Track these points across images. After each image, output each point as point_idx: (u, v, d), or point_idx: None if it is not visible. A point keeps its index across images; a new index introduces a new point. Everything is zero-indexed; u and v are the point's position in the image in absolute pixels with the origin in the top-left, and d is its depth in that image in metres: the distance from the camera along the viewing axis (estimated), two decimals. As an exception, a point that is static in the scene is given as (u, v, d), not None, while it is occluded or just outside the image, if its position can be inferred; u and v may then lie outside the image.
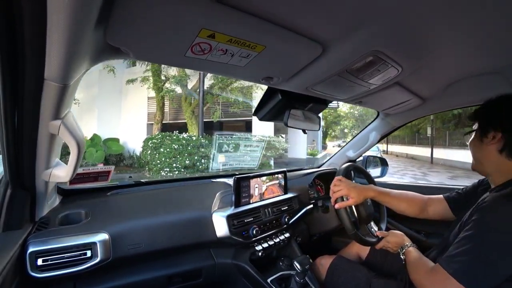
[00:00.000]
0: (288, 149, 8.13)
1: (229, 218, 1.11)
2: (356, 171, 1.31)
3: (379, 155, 2.00)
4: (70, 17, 0.41)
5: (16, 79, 0.53)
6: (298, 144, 10.41)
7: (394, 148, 21.54)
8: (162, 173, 4.99)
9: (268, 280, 1.12)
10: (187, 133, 5.93)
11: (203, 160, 5.48)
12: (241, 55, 0.67)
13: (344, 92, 1.05)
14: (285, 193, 1.42)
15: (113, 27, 0.52)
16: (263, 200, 1.30)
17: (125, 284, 0.93)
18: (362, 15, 0.58)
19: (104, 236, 0.86)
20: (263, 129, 7.95)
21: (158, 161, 5.44)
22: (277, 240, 1.27)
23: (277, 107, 1.16)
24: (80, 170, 0.99)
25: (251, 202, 1.24)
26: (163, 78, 7.03)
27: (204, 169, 5.42)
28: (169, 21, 0.51)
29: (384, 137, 1.79)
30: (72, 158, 0.71)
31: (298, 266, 1.04)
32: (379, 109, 1.48)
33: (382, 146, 21.36)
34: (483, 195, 0.85)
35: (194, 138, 5.81)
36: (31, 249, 0.76)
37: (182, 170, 5.20)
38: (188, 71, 6.97)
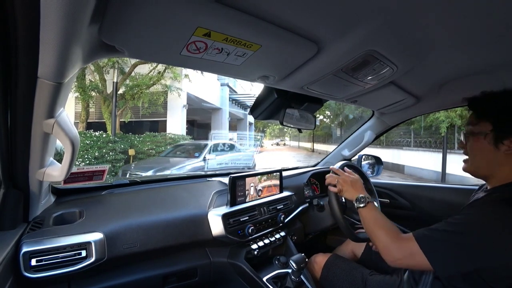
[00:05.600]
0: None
1: (225, 217, 1.10)
2: (350, 169, 1.32)
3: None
4: (64, 15, 0.41)
5: (9, 77, 0.52)
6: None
7: (307, 144, 28.44)
8: (76, 163, 5.99)
9: (264, 279, 1.12)
10: (99, 132, 7.55)
11: (111, 153, 7.11)
12: (237, 54, 0.67)
13: (340, 91, 1.06)
14: (281, 192, 1.43)
15: (107, 25, 0.52)
16: (259, 199, 1.30)
17: (120, 284, 0.92)
18: (358, 14, 0.58)
19: (98, 235, 0.86)
20: (176, 128, 9.72)
21: (73, 154, 7.08)
22: (273, 239, 1.27)
23: (273, 106, 1.16)
24: (74, 169, 0.98)
25: (246, 201, 1.25)
26: (87, 82, 8.26)
27: (112, 160, 7.06)
28: (164, 19, 0.51)
29: (379, 136, 1.80)
30: (66, 157, 0.71)
31: (294, 265, 1.05)
32: (374, 108, 1.49)
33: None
34: (478, 195, 0.84)
35: (104, 135, 7.42)
36: (24, 249, 0.75)
37: (93, 160, 6.76)
38: (107, 77, 8.44)
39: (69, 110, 9.97)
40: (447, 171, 7.71)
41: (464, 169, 0.83)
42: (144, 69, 8.72)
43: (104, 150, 7.03)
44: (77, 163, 6.47)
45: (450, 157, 7.73)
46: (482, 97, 0.78)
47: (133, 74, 8.61)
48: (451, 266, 0.68)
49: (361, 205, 0.91)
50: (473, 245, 0.66)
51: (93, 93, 8.44)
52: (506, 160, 0.73)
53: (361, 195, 0.93)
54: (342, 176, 1.04)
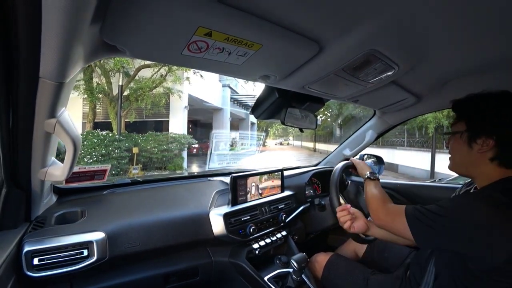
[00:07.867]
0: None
1: (226, 216, 1.11)
2: (352, 169, 1.32)
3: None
4: (65, 15, 0.41)
5: (11, 78, 0.52)
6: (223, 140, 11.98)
7: (310, 144, 28.34)
8: (85, 159, 7.05)
9: (265, 278, 1.12)
10: (106, 131, 8.03)
11: (116, 151, 7.62)
12: (238, 54, 0.67)
13: (341, 91, 1.05)
14: (282, 191, 1.43)
15: (109, 24, 0.52)
16: (260, 198, 1.30)
17: (122, 283, 0.92)
18: (359, 14, 0.58)
19: (100, 235, 0.86)
20: (178, 128, 10.25)
21: (82, 151, 7.21)
22: (274, 238, 1.28)
23: (274, 106, 1.16)
24: (76, 169, 0.98)
25: (248, 200, 1.25)
26: (94, 84, 8.68)
27: (117, 157, 7.53)
28: (165, 19, 0.51)
29: (380, 136, 1.79)
30: (68, 156, 0.71)
31: (295, 264, 1.05)
32: (375, 107, 1.48)
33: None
34: (468, 188, 0.88)
35: (110, 134, 7.93)
36: (26, 249, 0.75)
37: (100, 157, 7.24)
38: (113, 80, 8.83)
39: (78, 110, 10.52)
40: (436, 169, 7.97)
41: (449, 168, 0.86)
42: (147, 72, 9.14)
43: (110, 148, 7.52)
44: (85, 159, 6.92)
45: (439, 156, 7.97)
46: (463, 99, 0.80)
47: (137, 77, 9.01)
48: (431, 243, 0.75)
49: (372, 177, 1.03)
50: (453, 230, 0.68)
51: (100, 95, 8.91)
52: (480, 160, 0.74)
53: (366, 173, 1.06)
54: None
